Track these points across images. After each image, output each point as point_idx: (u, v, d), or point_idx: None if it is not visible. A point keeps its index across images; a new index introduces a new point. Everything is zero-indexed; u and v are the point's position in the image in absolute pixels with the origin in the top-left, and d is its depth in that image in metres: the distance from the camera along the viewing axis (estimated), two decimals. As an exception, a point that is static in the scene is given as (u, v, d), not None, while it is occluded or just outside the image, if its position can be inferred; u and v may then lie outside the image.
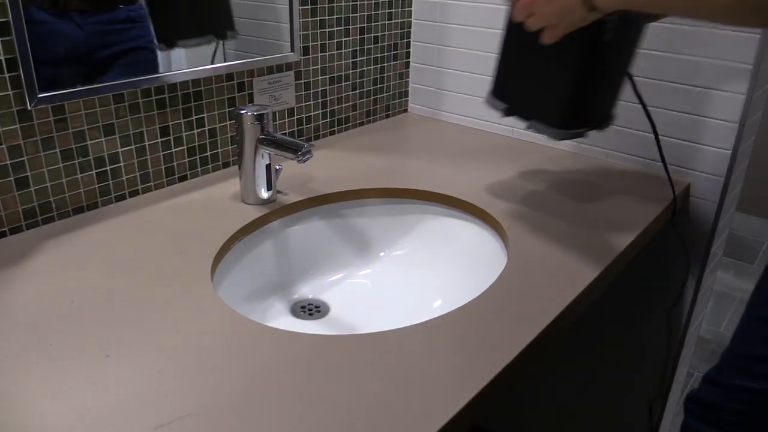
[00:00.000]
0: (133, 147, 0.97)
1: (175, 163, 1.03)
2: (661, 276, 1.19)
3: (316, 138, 1.27)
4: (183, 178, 1.05)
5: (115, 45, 0.97)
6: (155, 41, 0.99)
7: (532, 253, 0.84)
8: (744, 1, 0.63)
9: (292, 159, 0.90)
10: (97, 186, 0.94)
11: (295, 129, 1.21)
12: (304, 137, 1.24)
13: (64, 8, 0.90)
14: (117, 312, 0.70)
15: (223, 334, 0.67)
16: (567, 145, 1.23)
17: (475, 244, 0.99)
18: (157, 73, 0.98)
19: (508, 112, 0.95)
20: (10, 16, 0.78)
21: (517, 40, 0.90)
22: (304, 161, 0.90)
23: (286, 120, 1.19)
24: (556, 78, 0.88)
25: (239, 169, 0.96)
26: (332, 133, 1.30)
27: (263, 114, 0.93)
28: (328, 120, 1.28)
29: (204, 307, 0.71)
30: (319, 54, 1.20)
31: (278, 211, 0.97)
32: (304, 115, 1.22)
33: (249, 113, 0.92)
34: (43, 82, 0.85)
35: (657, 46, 1.07)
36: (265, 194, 0.97)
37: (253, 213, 0.94)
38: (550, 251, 0.85)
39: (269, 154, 0.95)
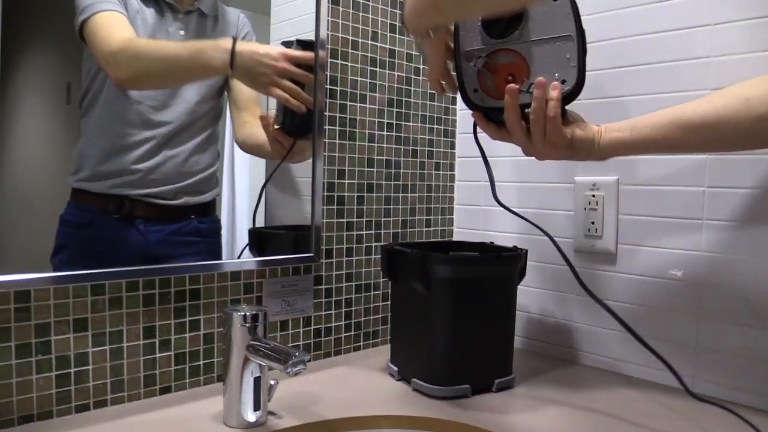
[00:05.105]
0: (107, 348, 0.82)
1: (157, 371, 0.87)
2: None
3: (338, 353, 1.09)
4: (165, 390, 0.88)
5: (179, 257, 0.91)
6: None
7: None
8: None
9: (280, 370, 0.72)
10: (54, 391, 0.78)
11: (312, 341, 1.05)
12: (322, 351, 1.07)
13: (129, 215, 0.86)
14: None
15: None
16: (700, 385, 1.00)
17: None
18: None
19: (400, 377, 0.97)
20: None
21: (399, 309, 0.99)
22: (295, 374, 0.72)
23: (301, 330, 1.03)
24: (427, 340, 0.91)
25: (223, 382, 0.79)
26: (357, 348, 1.12)
27: (257, 315, 0.78)
28: (352, 333, 1.11)
29: None
30: (344, 258, 1.08)
31: (263, 438, 0.77)
32: (323, 326, 1.06)
33: (239, 314, 0.77)
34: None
35: None
36: (251, 416, 0.78)
37: (230, 438, 0.75)
38: None
39: (260, 365, 0.78)
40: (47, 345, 0.77)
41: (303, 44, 0.98)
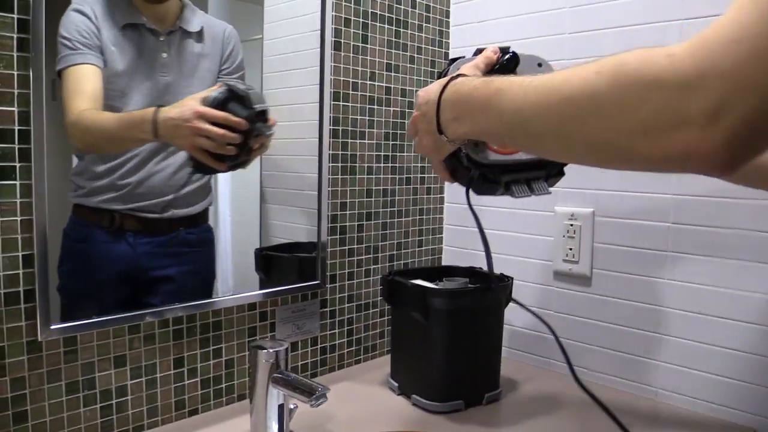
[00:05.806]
0: (143, 379, 0.92)
1: (186, 396, 0.97)
2: None
3: (341, 367, 1.20)
4: (193, 412, 0.99)
5: (166, 268, 0.97)
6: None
7: None
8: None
9: (304, 402, 0.83)
10: (99, 421, 0.88)
11: (318, 358, 1.16)
12: (327, 367, 1.18)
13: (119, 228, 0.92)
14: None
15: None
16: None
17: None
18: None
19: (400, 392, 1.08)
20: (35, 249, 0.79)
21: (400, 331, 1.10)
22: (318, 405, 0.83)
23: (309, 349, 1.14)
24: (427, 357, 1.02)
25: (251, 404, 0.90)
26: (358, 362, 1.23)
27: (278, 351, 0.89)
28: (353, 348, 1.22)
29: None
30: (347, 282, 1.19)
31: (287, 458, 0.88)
32: (328, 344, 1.17)
33: (264, 350, 0.88)
34: (70, 309, 0.84)
35: (699, 287, 1.02)
36: (275, 437, 0.89)
37: (260, 460, 0.86)
38: None
39: (283, 393, 0.89)
40: (92, 381, 0.87)
41: (235, 96, 0.92)
